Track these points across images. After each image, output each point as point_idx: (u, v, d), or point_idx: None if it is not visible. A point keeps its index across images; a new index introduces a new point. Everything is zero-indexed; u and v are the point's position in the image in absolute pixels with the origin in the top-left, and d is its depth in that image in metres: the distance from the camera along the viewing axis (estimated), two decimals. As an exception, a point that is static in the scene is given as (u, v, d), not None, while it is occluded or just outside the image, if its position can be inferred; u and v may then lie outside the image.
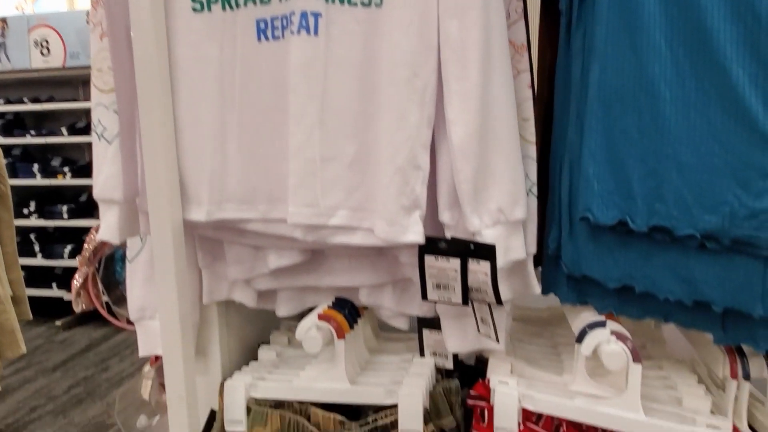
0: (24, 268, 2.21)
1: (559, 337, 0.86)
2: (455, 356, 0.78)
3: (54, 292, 3.61)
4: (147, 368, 0.93)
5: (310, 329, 0.69)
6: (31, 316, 2.19)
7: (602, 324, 0.65)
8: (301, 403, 0.73)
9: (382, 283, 0.73)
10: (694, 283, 0.61)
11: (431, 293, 0.64)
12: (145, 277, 0.77)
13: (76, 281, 0.83)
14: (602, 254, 0.64)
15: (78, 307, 0.85)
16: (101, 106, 0.69)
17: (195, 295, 0.75)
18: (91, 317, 3.75)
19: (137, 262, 0.77)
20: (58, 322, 3.61)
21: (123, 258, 0.83)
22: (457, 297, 0.62)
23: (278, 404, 0.73)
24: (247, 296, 0.75)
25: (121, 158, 0.68)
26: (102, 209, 0.70)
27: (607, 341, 0.62)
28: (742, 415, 0.68)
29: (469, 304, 0.67)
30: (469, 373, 0.84)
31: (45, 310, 3.76)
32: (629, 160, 0.61)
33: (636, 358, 0.62)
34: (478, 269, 0.61)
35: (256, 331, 0.89)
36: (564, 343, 0.83)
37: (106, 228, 0.69)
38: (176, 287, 0.65)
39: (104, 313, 0.85)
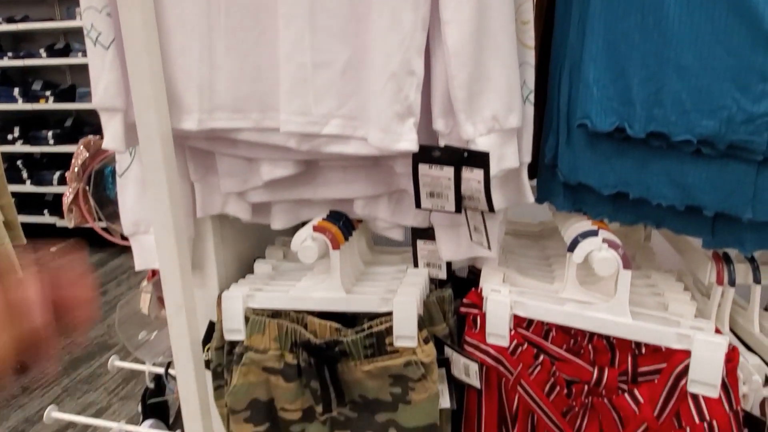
0: (14, 195, 2.20)
1: (551, 249, 0.87)
2: (449, 268, 0.79)
3: (46, 218, 3.61)
4: (145, 283, 0.94)
5: (306, 240, 0.70)
6: (24, 240, 2.20)
7: (594, 233, 0.66)
8: (297, 312, 0.74)
9: (377, 195, 0.73)
10: (687, 189, 0.61)
11: (425, 201, 0.63)
12: (136, 191, 0.76)
13: (67, 197, 0.82)
14: (599, 161, 0.64)
15: (71, 222, 0.85)
16: (92, 10, 0.63)
17: (188, 209, 0.75)
18: (86, 243, 3.77)
19: (127, 177, 0.76)
20: (53, 249, 3.64)
21: (113, 174, 0.82)
22: (451, 205, 0.62)
23: (275, 314, 0.75)
24: (242, 209, 0.75)
25: (119, 63, 0.64)
26: (104, 119, 0.66)
27: (599, 248, 0.63)
28: (724, 319, 0.71)
29: (463, 212, 0.67)
30: (462, 284, 0.85)
31: (39, 237, 3.77)
32: (630, 65, 0.59)
33: (626, 264, 0.63)
34: (472, 177, 0.60)
35: (252, 245, 0.89)
36: (555, 254, 0.85)
37: (110, 137, 0.66)
38: (168, 198, 0.64)
39: (98, 228, 0.85)
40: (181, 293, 0.67)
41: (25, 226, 2.24)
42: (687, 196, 0.62)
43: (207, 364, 0.81)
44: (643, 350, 0.68)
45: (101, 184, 0.83)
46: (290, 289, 0.75)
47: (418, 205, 0.64)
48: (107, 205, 0.84)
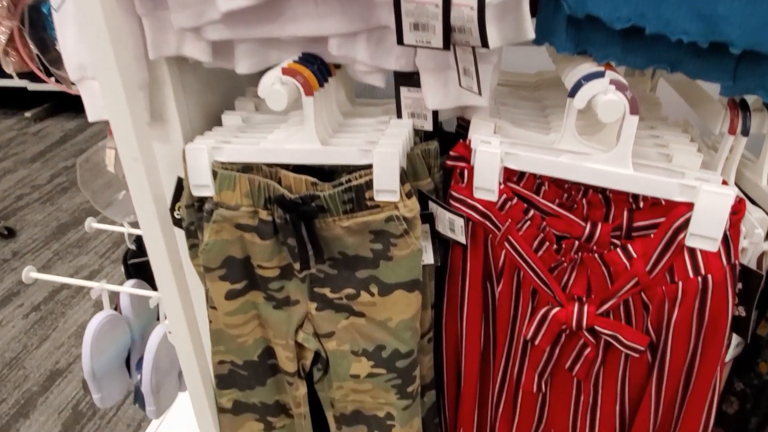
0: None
1: (549, 101, 0.80)
2: (435, 119, 0.72)
3: (15, 81, 3.40)
4: (108, 137, 0.87)
5: (274, 83, 0.62)
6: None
7: (600, 74, 0.58)
8: (270, 166, 0.68)
9: (354, 32, 0.63)
10: (714, 21, 0.52)
11: (408, 36, 0.55)
12: (77, 27, 0.66)
13: (1, 38, 0.71)
14: (613, -14, 0.54)
15: (9, 68, 0.75)
16: None
17: (138, 50, 0.65)
18: (61, 108, 3.62)
19: (65, 11, 0.65)
20: (28, 114, 3.49)
21: (51, 11, 0.70)
22: (438, 39, 0.53)
23: (246, 168, 0.69)
24: (200, 49, 0.66)
25: None
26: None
27: (605, 91, 0.56)
28: (731, 171, 0.66)
29: (452, 51, 0.59)
30: (450, 139, 0.79)
31: (11, 102, 3.60)
32: None
33: (633, 109, 0.56)
34: (464, 3, 0.51)
35: (219, 97, 0.81)
36: (553, 105, 0.77)
37: None
38: (109, 36, 0.55)
39: (41, 74, 0.75)
40: (136, 145, 0.60)
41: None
42: (713, 30, 0.53)
43: (179, 222, 0.77)
44: (641, 204, 0.63)
45: (39, 24, 0.72)
46: (261, 142, 0.68)
47: (400, 40, 0.55)
48: (51, 49, 0.74)
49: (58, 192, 2.80)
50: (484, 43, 0.52)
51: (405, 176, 0.65)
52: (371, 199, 0.65)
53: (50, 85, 0.76)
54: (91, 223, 1.15)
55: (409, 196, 0.65)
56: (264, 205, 0.68)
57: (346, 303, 0.71)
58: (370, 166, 0.64)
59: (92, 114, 0.72)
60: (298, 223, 0.66)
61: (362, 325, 0.72)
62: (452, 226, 0.68)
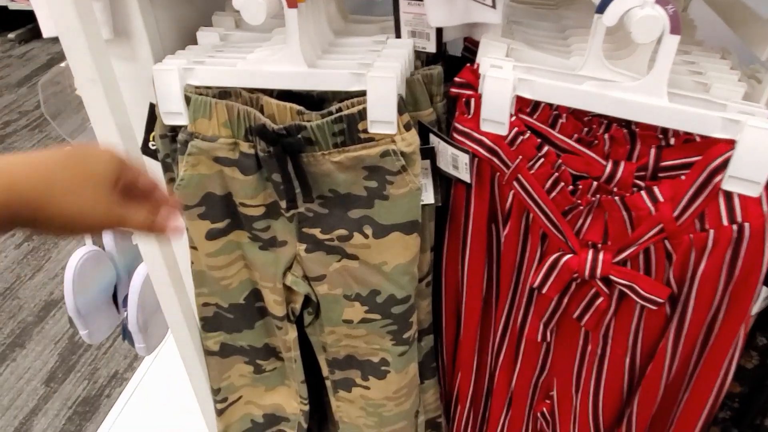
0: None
1: (570, 20, 0.70)
2: (439, 40, 0.63)
3: (-7, -1, 3.21)
4: (72, 60, 0.77)
5: (251, -7, 0.53)
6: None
7: (637, -16, 0.48)
8: (251, 92, 0.60)
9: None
10: None
11: (410, -69, 0.45)
12: None
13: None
14: None
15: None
16: None
17: (92, -50, 0.56)
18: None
19: None
20: (11, 35, 3.32)
21: None
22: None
23: (224, 94, 0.61)
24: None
25: None
26: None
27: (642, 5, 0.47)
28: (777, 104, 0.58)
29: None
30: (455, 65, 0.70)
31: (-10, 22, 3.42)
32: None
33: (675, 27, 0.47)
34: None
35: (196, 12, 0.71)
36: (574, 26, 0.68)
37: None
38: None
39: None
40: (92, 65, 0.52)
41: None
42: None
43: (154, 153, 0.70)
44: (672, 141, 0.55)
45: None
46: (238, 63, 0.59)
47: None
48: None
49: (45, 119, 2.70)
50: (502, -60, 0.43)
51: (403, 105, 0.57)
52: (365, 131, 0.57)
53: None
54: None
55: (407, 128, 0.57)
56: (245, 137, 0.60)
57: (337, 245, 0.65)
58: (363, 93, 0.56)
59: (46, 29, 0.63)
60: (283, 157, 0.59)
61: (355, 268, 0.66)
62: (455, 162, 0.60)
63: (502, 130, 0.58)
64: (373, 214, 0.62)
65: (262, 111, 0.60)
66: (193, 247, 0.70)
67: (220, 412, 0.84)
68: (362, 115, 0.56)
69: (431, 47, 0.62)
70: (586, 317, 0.63)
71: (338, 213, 0.64)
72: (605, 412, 0.68)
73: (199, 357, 0.84)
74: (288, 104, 0.59)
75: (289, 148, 0.59)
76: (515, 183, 0.60)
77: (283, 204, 0.63)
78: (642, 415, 0.64)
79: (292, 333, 0.74)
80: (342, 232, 0.64)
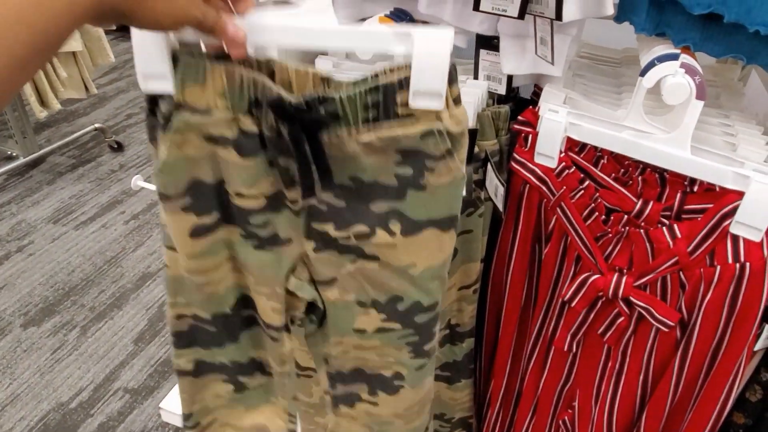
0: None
1: (626, 77, 0.81)
2: (509, 84, 0.76)
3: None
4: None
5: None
6: (113, 25, 2.28)
7: (674, 56, 0.60)
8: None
9: (442, -7, 0.68)
10: (796, 15, 0.53)
11: (485, 3, 0.59)
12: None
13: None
14: (696, -29, 0.55)
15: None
16: None
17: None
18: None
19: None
20: (144, 40, 3.75)
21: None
22: (515, 8, 0.57)
23: (223, 55, 0.48)
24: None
25: None
26: None
27: (674, 74, 0.58)
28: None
29: (528, 21, 0.62)
30: (523, 105, 0.83)
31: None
32: None
33: (700, 94, 0.58)
34: (547, -24, 0.54)
35: None
36: (629, 83, 0.79)
37: None
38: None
39: None
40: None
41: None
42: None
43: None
44: (696, 189, 0.65)
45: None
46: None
47: (476, 6, 0.60)
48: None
49: (163, 115, 3.04)
50: (558, 15, 0.56)
51: (455, 74, 0.47)
52: (404, 104, 0.46)
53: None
54: (137, 182, 1.24)
55: (457, 102, 0.48)
56: (248, 110, 0.49)
57: (354, 244, 0.55)
58: (407, 67, 0.45)
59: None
60: (300, 138, 0.48)
61: (374, 270, 0.56)
62: (496, 191, 0.72)
63: (552, 164, 0.70)
64: (403, 208, 0.52)
65: (272, 77, 0.49)
66: (170, 248, 0.60)
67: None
68: (403, 84, 0.46)
69: (501, 89, 0.75)
70: (609, 333, 0.72)
71: (358, 206, 0.53)
72: (618, 426, 0.76)
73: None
74: (310, 68, 0.49)
75: (309, 125, 0.48)
76: (558, 209, 0.71)
77: (292, 194, 0.53)
78: (649, 431, 0.72)
79: (290, 344, 0.64)
80: (361, 228, 0.54)
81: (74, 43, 2.19)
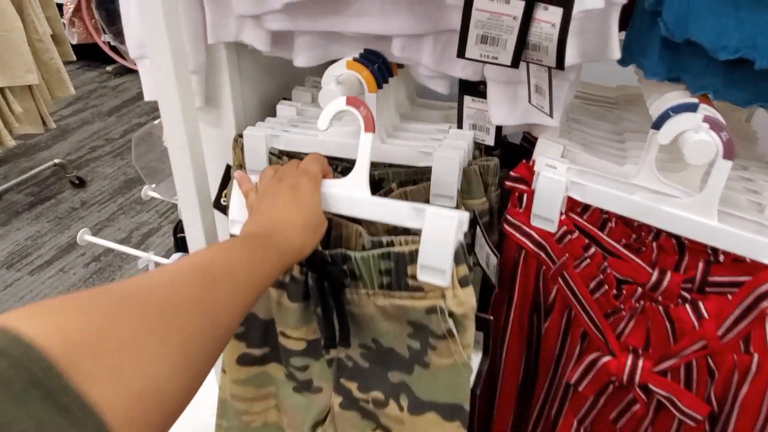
0: (59, 6, 2.10)
1: (628, 122, 0.72)
2: (498, 134, 0.67)
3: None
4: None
5: (329, 83, 0.58)
6: (74, 56, 2.15)
7: (693, 107, 0.51)
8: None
9: (420, 34, 0.58)
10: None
11: (472, 49, 0.49)
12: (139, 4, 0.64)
13: (67, 7, 0.71)
14: (722, 11, 0.47)
15: (73, 39, 0.75)
16: None
17: (196, 33, 0.63)
18: (140, 66, 3.73)
19: (129, -14, 0.63)
20: (109, 68, 3.62)
21: (119, -17, 0.69)
22: (507, 56, 0.48)
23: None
24: (259, 38, 0.63)
25: None
26: None
27: (697, 129, 0.49)
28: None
29: (520, 66, 0.53)
30: (512, 152, 0.73)
31: (95, 55, 3.75)
32: None
33: (728, 153, 0.49)
34: (545, 19, 0.45)
35: (277, 85, 0.78)
36: (633, 129, 0.70)
37: None
38: (164, 16, 0.53)
39: (105, 47, 0.75)
40: (183, 129, 0.58)
41: (81, 45, 2.19)
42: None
43: (224, 209, 0.75)
44: (721, 258, 0.56)
45: (106, -6, 0.71)
46: (319, 134, 0.63)
47: (461, 52, 0.50)
48: (116, 20, 0.73)
49: (129, 147, 2.90)
50: (560, 64, 0.46)
51: (462, 254, 0.48)
52: (414, 277, 0.48)
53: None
54: (147, 191, 1.17)
55: (463, 283, 0.49)
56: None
57: (372, 410, 0.57)
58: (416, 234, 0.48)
59: (148, 93, 0.70)
60: (323, 288, 0.52)
61: None
62: (488, 261, 0.62)
63: (551, 228, 0.60)
64: (411, 383, 0.53)
65: (329, 229, 0.54)
66: (223, 370, 0.64)
67: None
68: (413, 257, 0.48)
69: (490, 141, 0.65)
70: (622, 421, 0.62)
71: (378, 371, 0.55)
72: None
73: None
74: (355, 226, 0.53)
75: (330, 277, 0.51)
76: (560, 279, 0.61)
77: (323, 342, 0.55)
78: None
79: None
80: (378, 395, 0.55)
81: (30, 76, 2.06)
